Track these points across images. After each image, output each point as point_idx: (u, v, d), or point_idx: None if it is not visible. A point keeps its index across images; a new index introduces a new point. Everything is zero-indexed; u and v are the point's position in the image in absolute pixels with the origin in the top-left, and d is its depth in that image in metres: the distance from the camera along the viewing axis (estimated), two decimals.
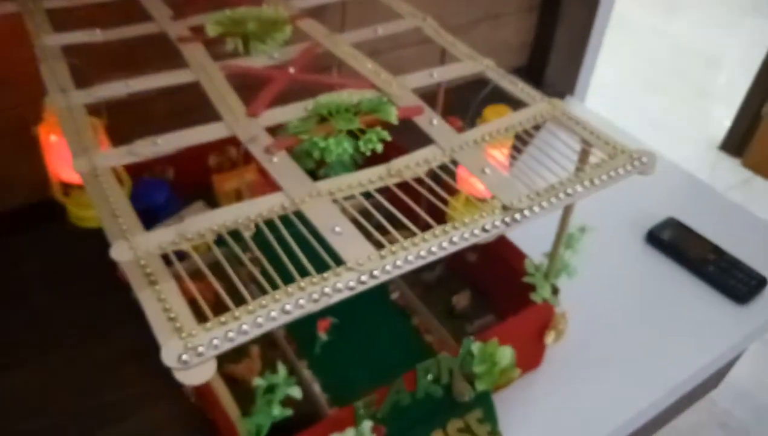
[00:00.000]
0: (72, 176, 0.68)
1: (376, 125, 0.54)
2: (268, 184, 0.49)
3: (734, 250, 0.89)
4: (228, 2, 0.72)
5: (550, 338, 0.71)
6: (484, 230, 0.46)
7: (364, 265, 0.42)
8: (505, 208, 0.47)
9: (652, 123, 2.28)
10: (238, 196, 0.90)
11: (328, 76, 0.66)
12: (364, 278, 0.41)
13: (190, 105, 0.63)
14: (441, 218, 0.48)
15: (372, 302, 0.78)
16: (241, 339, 0.37)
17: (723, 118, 2.30)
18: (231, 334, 0.37)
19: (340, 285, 0.40)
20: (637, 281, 0.87)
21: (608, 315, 0.80)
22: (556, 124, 0.57)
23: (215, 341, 0.36)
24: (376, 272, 0.41)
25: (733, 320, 0.82)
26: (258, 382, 0.50)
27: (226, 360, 0.66)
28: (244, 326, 0.37)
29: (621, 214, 0.95)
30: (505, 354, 0.64)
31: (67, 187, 0.70)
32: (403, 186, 0.50)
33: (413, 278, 0.80)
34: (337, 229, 0.44)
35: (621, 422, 0.70)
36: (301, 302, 0.39)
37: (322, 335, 0.72)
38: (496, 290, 0.78)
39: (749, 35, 2.96)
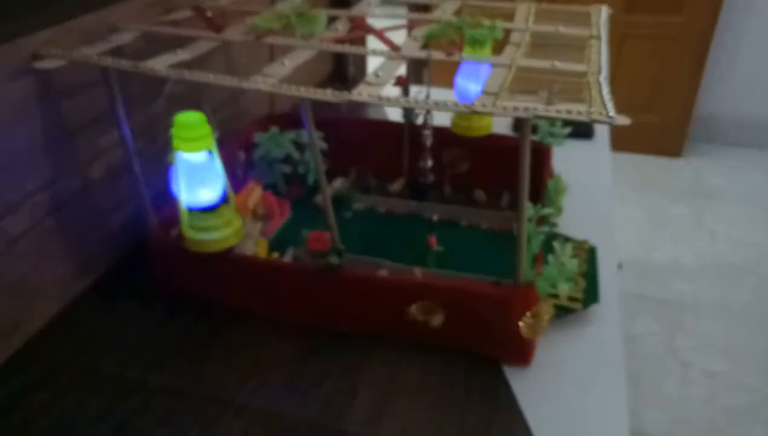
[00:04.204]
0: (204, 196, 0.68)
1: None
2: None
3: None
4: (242, 12, 0.80)
5: None
6: None
7: None
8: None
9: None
10: (254, 214, 0.93)
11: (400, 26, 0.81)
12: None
13: None
14: None
15: (421, 231, 0.93)
16: None
17: None
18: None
19: None
20: None
21: None
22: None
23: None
24: None
25: (591, 146, 1.23)
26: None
27: None
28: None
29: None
30: (563, 181, 0.90)
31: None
32: None
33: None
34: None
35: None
36: None
37: (437, 248, 0.85)
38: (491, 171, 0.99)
39: None
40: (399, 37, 0.75)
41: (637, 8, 2.42)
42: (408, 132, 1.00)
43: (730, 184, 2.53)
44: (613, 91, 0.58)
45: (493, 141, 0.96)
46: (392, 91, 0.86)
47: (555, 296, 0.75)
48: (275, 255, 0.83)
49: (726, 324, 1.84)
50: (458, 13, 0.83)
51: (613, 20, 0.84)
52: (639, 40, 2.48)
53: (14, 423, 0.64)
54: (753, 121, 2.72)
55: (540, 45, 0.72)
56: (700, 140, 2.80)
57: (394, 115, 1.26)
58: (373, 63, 0.70)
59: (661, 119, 2.63)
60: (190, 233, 0.68)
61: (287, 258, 0.83)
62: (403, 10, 0.89)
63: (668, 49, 2.47)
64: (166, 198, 0.79)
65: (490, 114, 0.54)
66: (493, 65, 0.65)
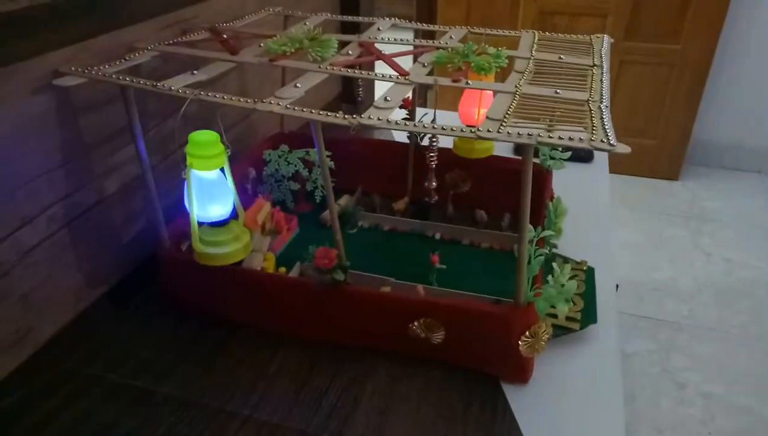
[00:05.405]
0: (215, 212, 0.70)
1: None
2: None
3: None
4: (256, 36, 0.82)
5: None
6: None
7: None
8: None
9: None
10: (262, 228, 0.94)
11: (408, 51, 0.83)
12: None
13: None
14: None
15: (424, 249, 0.95)
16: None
17: None
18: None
19: None
20: None
21: None
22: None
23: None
24: None
25: (590, 169, 1.26)
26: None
27: None
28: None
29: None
30: (563, 203, 0.92)
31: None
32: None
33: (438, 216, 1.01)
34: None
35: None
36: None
37: (439, 266, 0.87)
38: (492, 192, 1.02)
39: None
40: (405, 62, 0.78)
41: (636, 36, 2.46)
42: (413, 153, 1.03)
43: (726, 207, 2.56)
44: (612, 115, 0.61)
45: (495, 163, 0.99)
46: (399, 113, 0.89)
47: (554, 315, 0.77)
48: (282, 270, 0.85)
49: (722, 345, 1.86)
50: (464, 40, 0.86)
51: (612, 46, 0.86)
52: (637, 66, 2.52)
53: (23, 429, 0.65)
54: (748, 145, 2.76)
55: (543, 73, 0.74)
56: (696, 164, 2.83)
57: (400, 136, 1.29)
58: (380, 85, 0.73)
59: (659, 143, 2.66)
60: (200, 247, 0.70)
61: (294, 273, 0.85)
62: (410, 35, 0.91)
63: (666, 75, 2.51)
64: (177, 212, 0.81)
65: (495, 139, 0.56)
66: (498, 92, 0.67)
